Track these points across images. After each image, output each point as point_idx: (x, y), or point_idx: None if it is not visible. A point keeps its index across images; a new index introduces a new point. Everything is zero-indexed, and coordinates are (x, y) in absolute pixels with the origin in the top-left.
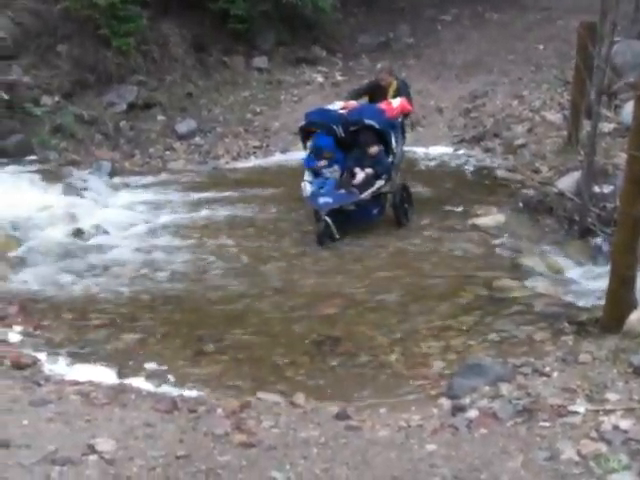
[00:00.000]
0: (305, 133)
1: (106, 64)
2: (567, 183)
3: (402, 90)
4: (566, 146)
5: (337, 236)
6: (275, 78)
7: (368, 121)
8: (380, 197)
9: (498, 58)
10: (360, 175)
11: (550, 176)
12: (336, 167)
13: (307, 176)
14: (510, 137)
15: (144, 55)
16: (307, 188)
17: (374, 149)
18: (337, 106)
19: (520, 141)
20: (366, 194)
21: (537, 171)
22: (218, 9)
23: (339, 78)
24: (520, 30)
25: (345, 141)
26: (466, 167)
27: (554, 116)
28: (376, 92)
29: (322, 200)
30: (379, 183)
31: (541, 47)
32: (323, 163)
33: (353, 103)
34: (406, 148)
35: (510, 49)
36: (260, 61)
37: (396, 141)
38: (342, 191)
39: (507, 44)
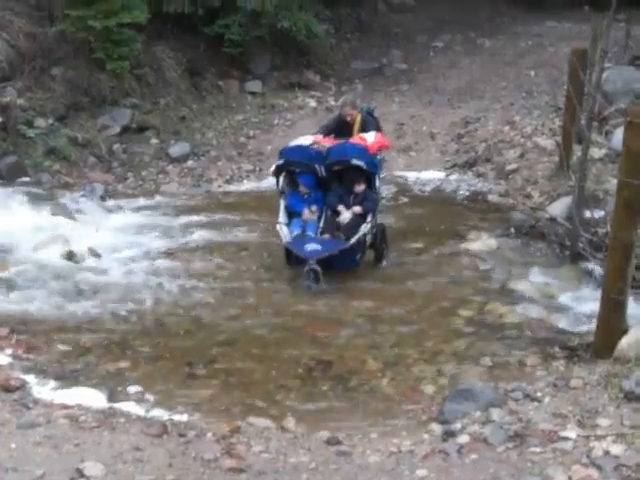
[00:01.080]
0: (280, 172)
1: (100, 87)
2: (558, 208)
3: (368, 123)
4: (557, 171)
5: (324, 285)
6: (269, 102)
7: (355, 161)
8: (363, 240)
9: (490, 84)
10: (346, 214)
11: (541, 201)
12: (314, 207)
13: (282, 217)
14: (502, 162)
15: (138, 78)
16: (285, 232)
17: (361, 187)
18: (309, 141)
19: (512, 166)
20: (354, 240)
21: (529, 196)
22: (213, 33)
23: (332, 103)
24: (512, 56)
25: (324, 180)
26: (458, 192)
27: (546, 142)
28: (342, 128)
29: (309, 247)
30: (365, 227)
31: (532, 73)
32: (311, 212)
33: (323, 138)
34: (399, 173)
35: (502, 75)
36: (254, 85)
37: (378, 180)
38: (327, 237)
39: (499, 70)
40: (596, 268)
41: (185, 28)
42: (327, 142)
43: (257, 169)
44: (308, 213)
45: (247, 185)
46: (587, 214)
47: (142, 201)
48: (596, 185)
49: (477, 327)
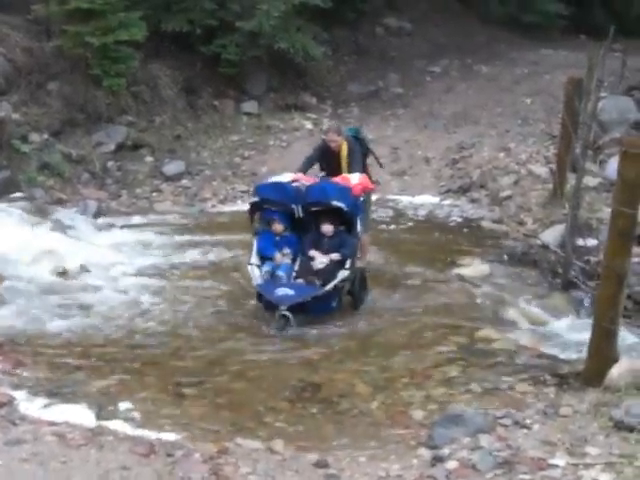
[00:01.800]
0: (255, 210)
1: (96, 103)
2: (551, 236)
3: (354, 153)
4: (551, 199)
5: (294, 329)
6: (264, 123)
7: (336, 202)
8: (340, 287)
9: (486, 110)
10: (322, 259)
11: (535, 228)
12: (288, 250)
13: (254, 258)
14: (496, 189)
15: (135, 96)
16: (256, 274)
17: (329, 227)
18: (287, 178)
19: (506, 193)
20: (329, 286)
21: (522, 223)
22: (210, 53)
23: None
24: (508, 83)
25: (300, 221)
26: (452, 217)
27: (540, 169)
28: (327, 156)
29: (281, 292)
30: (342, 274)
31: (528, 101)
32: (283, 255)
33: (304, 176)
34: (392, 197)
35: (498, 102)
36: (250, 106)
37: (360, 223)
38: (301, 281)
39: (495, 97)
40: (587, 296)
41: (182, 47)
42: (307, 180)
43: (251, 190)
44: (280, 257)
45: (241, 205)
46: (580, 242)
47: (135, 219)
48: (589, 213)
49: (467, 353)
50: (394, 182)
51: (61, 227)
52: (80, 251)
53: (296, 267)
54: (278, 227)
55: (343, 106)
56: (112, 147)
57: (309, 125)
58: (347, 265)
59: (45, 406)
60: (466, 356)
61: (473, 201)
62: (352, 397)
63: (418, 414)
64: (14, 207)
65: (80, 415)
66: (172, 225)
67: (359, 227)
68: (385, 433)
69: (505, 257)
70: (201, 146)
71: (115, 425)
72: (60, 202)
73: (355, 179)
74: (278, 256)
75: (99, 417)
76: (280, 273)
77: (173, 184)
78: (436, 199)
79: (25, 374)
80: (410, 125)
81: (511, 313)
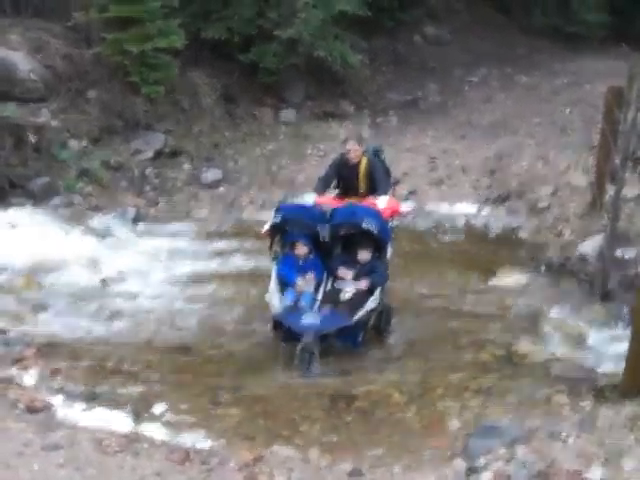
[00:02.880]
0: (276, 232)
1: (134, 111)
2: (590, 247)
3: (378, 172)
4: (590, 210)
5: (318, 369)
6: (302, 132)
7: (366, 225)
8: (367, 318)
9: (524, 120)
10: (349, 288)
11: (573, 239)
12: (311, 274)
13: (273, 285)
14: (534, 199)
15: (173, 103)
16: (275, 302)
17: (366, 256)
18: (310, 200)
19: (544, 203)
20: (359, 315)
21: (560, 234)
22: (248, 61)
23: (366, 135)
24: (547, 93)
25: (325, 246)
26: (490, 227)
27: (579, 180)
28: (344, 172)
29: (306, 321)
30: (371, 303)
31: (567, 110)
32: (306, 281)
33: (326, 198)
34: (430, 206)
35: (536, 111)
36: (288, 114)
37: (390, 249)
38: (327, 310)
39: (534, 106)
40: (625, 308)
41: (221, 55)
42: (331, 202)
43: (289, 198)
44: (302, 283)
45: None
46: (618, 253)
47: (173, 226)
48: (628, 225)
49: (504, 364)
50: (432, 191)
51: (99, 233)
52: (118, 257)
53: (319, 296)
54: (302, 249)
55: (381, 115)
56: (150, 154)
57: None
58: (376, 294)
59: (82, 411)
60: (502, 367)
61: (511, 211)
62: (387, 407)
63: (454, 424)
64: (53, 213)
65: (116, 421)
66: (210, 232)
67: (389, 253)
68: (420, 443)
69: (543, 268)
70: (239, 154)
71: (151, 431)
72: (98, 208)
73: (383, 203)
74: (300, 281)
75: (135, 423)
76: (303, 303)
77: (211, 191)
78: (474, 209)
79: (63, 379)
80: (448, 135)
81: (548, 324)
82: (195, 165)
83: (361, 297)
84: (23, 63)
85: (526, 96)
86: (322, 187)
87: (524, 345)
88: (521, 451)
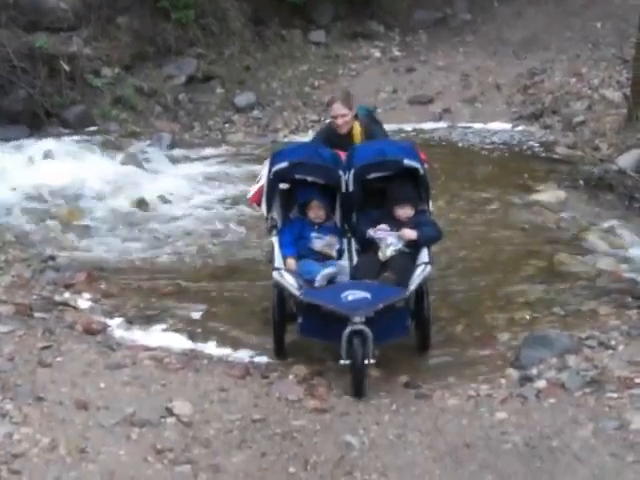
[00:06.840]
0: (277, 183)
1: (165, 36)
2: (627, 160)
3: (373, 132)
4: (626, 124)
5: (371, 359)
6: (333, 52)
7: (408, 162)
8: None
9: (555, 35)
10: (391, 239)
11: (610, 153)
12: (330, 238)
13: (278, 261)
14: (569, 114)
15: (203, 28)
16: (291, 281)
17: (408, 212)
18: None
19: (579, 118)
20: (416, 284)
21: (597, 148)
22: None
23: (396, 53)
24: (577, 7)
25: (347, 201)
26: (525, 144)
27: (613, 94)
28: (334, 146)
29: (352, 296)
30: (424, 270)
31: (599, 25)
32: (327, 244)
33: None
34: (464, 124)
35: (567, 26)
36: (317, 35)
37: (431, 200)
38: (372, 282)
39: (564, 21)
40: None
41: None
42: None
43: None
44: (322, 244)
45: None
46: None
47: (208, 150)
48: None
49: (548, 277)
50: (465, 110)
51: (136, 160)
52: (156, 183)
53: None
54: (318, 211)
55: (411, 34)
56: (183, 79)
57: (377, 53)
58: (426, 257)
59: (138, 331)
60: (547, 279)
61: (546, 127)
62: (437, 321)
63: (503, 336)
64: (90, 141)
65: (174, 340)
66: (245, 155)
67: (431, 205)
68: (472, 355)
69: (581, 182)
70: (270, 77)
71: (208, 349)
72: (134, 135)
73: None
74: (319, 244)
75: (192, 342)
76: (330, 270)
77: (245, 115)
78: (508, 125)
79: (115, 302)
80: (479, 52)
81: (590, 237)
82: (228, 89)
83: (406, 260)
84: None
85: (556, 11)
86: None
87: (567, 258)
88: (572, 360)
